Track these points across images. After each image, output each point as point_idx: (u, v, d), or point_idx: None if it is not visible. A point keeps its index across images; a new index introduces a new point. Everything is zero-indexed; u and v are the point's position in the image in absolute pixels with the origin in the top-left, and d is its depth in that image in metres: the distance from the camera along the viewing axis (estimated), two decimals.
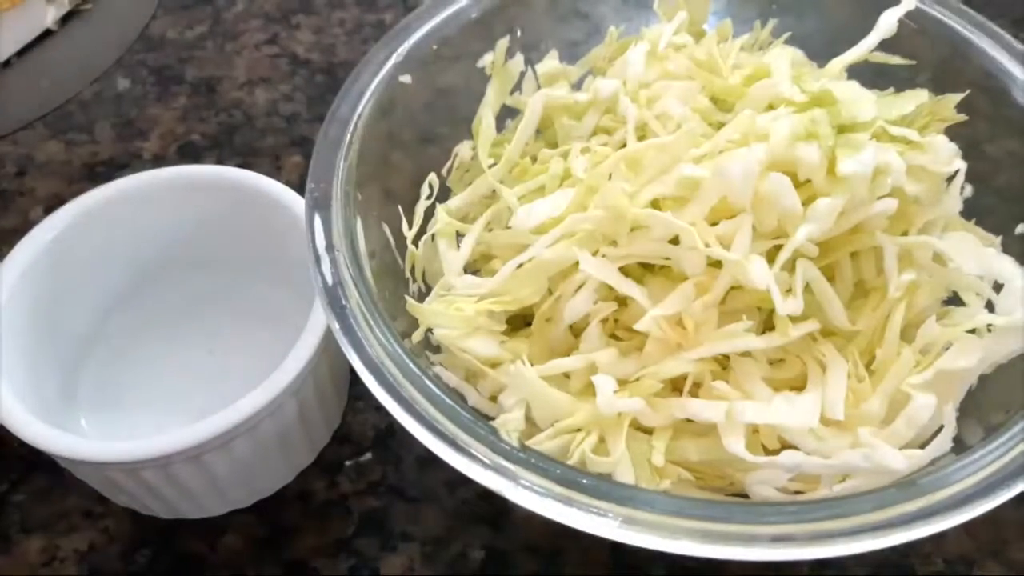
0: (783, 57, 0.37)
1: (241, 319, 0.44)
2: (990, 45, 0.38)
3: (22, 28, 0.61)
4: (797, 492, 0.32)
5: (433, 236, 0.39)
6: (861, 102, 0.33)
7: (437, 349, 0.35)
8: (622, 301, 0.34)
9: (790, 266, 0.32)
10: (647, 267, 0.34)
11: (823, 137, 0.32)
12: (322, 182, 0.34)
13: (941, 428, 0.31)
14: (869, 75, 0.37)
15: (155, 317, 0.44)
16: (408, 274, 0.38)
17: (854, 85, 0.35)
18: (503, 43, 0.41)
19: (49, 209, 0.41)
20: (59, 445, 0.34)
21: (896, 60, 0.37)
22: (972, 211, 0.37)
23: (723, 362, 0.33)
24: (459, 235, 0.39)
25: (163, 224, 0.42)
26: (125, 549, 0.39)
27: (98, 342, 0.43)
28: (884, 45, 0.37)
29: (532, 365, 0.33)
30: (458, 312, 0.34)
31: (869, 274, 0.34)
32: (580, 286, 0.34)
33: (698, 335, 0.32)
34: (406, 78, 0.38)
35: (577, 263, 0.33)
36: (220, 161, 0.54)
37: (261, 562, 0.39)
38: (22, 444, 0.34)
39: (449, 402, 0.29)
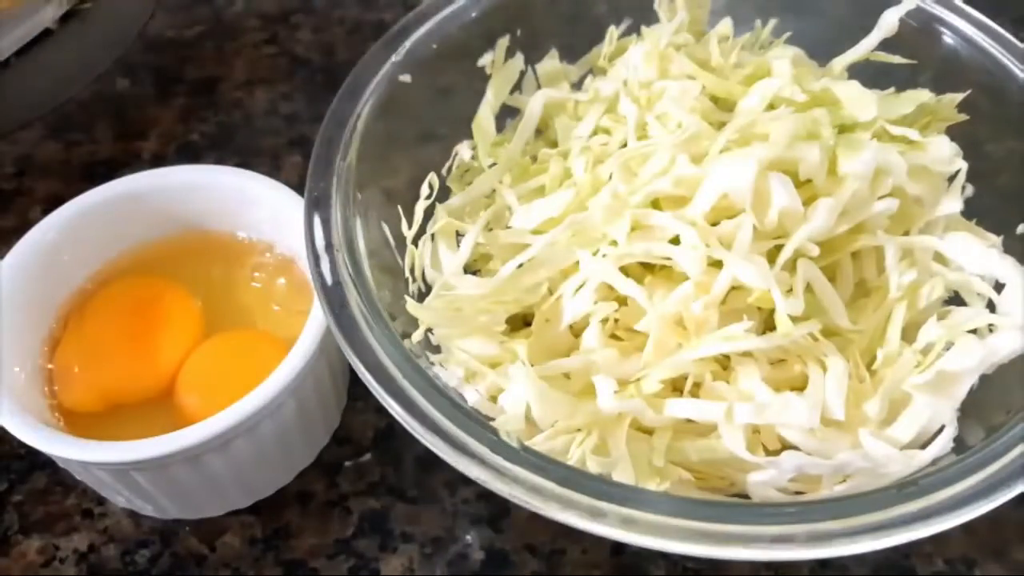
0: (784, 56, 0.37)
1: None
2: (991, 45, 0.38)
3: (21, 28, 0.61)
4: (798, 492, 0.32)
5: (433, 236, 0.39)
6: (862, 102, 0.33)
7: (437, 349, 0.35)
8: (622, 301, 0.34)
9: (791, 266, 0.32)
10: (647, 267, 0.34)
11: (824, 137, 0.32)
12: (321, 182, 0.34)
13: (942, 428, 0.31)
14: (870, 74, 0.37)
15: None
16: (408, 274, 0.38)
17: (855, 85, 0.35)
18: (503, 43, 0.41)
19: (48, 209, 0.40)
20: (58, 445, 0.34)
21: (897, 59, 0.37)
22: (973, 211, 0.37)
23: (723, 362, 0.33)
24: (459, 235, 0.39)
25: (162, 224, 0.42)
26: (125, 549, 0.39)
27: None
28: (885, 44, 0.37)
29: (532, 365, 0.33)
30: (458, 312, 0.34)
31: (870, 274, 0.34)
32: (580, 286, 0.34)
33: (698, 335, 0.32)
34: (406, 78, 0.38)
35: (577, 263, 0.33)
36: (219, 161, 0.54)
37: (261, 562, 0.39)
38: (21, 444, 0.34)
39: (449, 402, 0.29)
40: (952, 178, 0.35)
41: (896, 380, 0.32)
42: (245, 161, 0.54)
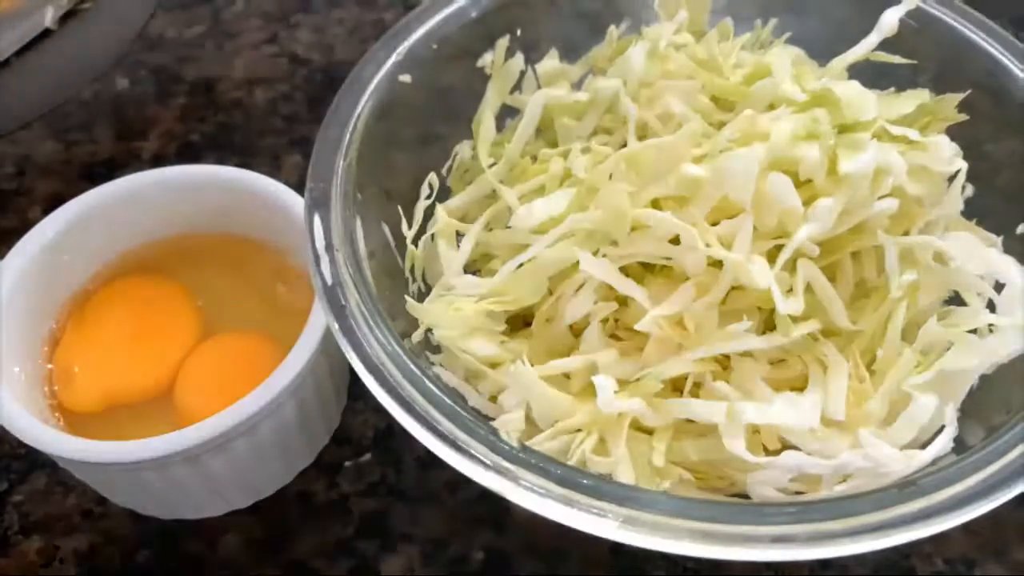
0: (784, 56, 0.37)
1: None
2: (991, 44, 0.38)
3: (21, 28, 0.61)
4: (798, 492, 0.32)
5: (433, 236, 0.39)
6: (862, 101, 0.33)
7: (437, 349, 0.35)
8: (622, 301, 0.34)
9: (791, 266, 0.32)
10: (648, 267, 0.34)
11: (824, 137, 0.32)
12: (321, 182, 0.34)
13: (942, 428, 0.31)
14: (870, 75, 0.37)
15: None
16: (408, 274, 0.38)
17: (855, 84, 0.35)
18: (503, 42, 0.41)
19: (48, 209, 0.40)
20: (59, 445, 0.34)
21: (897, 59, 0.37)
22: (973, 211, 0.37)
23: (724, 362, 0.33)
24: (459, 235, 0.39)
25: (162, 224, 0.42)
26: (125, 550, 0.39)
27: None
28: (885, 44, 0.37)
29: (532, 365, 0.33)
30: (458, 312, 0.34)
31: (870, 274, 0.34)
32: (580, 286, 0.34)
33: (699, 335, 0.32)
34: (406, 78, 0.38)
35: (577, 263, 0.33)
36: (219, 161, 0.54)
37: (261, 563, 0.39)
38: (21, 444, 0.34)
39: (449, 402, 0.29)
40: (952, 178, 0.35)
41: (896, 380, 0.32)
42: (245, 161, 0.54)
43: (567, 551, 0.39)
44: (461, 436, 0.28)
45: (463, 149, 0.41)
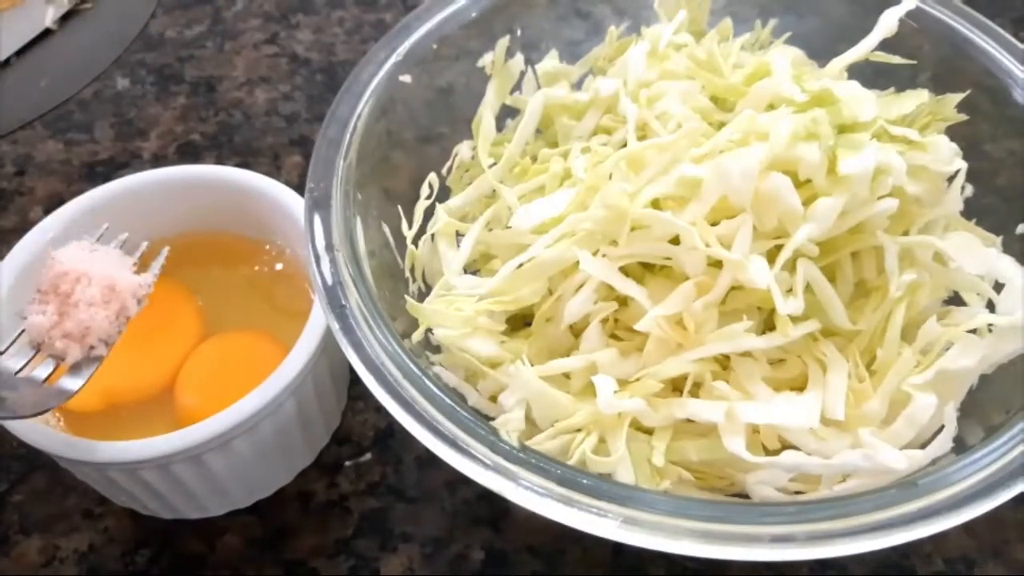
0: (784, 56, 0.37)
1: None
2: (991, 45, 0.38)
3: (21, 28, 0.61)
4: (797, 492, 0.32)
5: (433, 236, 0.39)
6: (862, 102, 0.33)
7: (437, 349, 0.35)
8: (622, 301, 0.34)
9: (791, 266, 0.32)
10: (647, 267, 0.34)
11: (824, 137, 0.32)
12: (322, 182, 0.34)
13: (942, 428, 0.31)
14: (870, 75, 0.37)
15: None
16: (408, 274, 0.38)
17: (855, 85, 0.35)
18: (503, 43, 0.41)
19: (49, 209, 0.41)
20: (59, 445, 0.34)
21: (897, 60, 0.37)
22: (973, 211, 0.37)
23: (723, 362, 0.33)
24: (459, 235, 0.39)
25: (162, 224, 0.42)
26: (125, 549, 0.39)
27: None
28: (885, 45, 0.37)
29: (532, 365, 0.33)
30: (458, 312, 0.34)
31: (870, 274, 0.34)
32: (580, 286, 0.34)
33: (698, 335, 0.32)
34: (406, 78, 0.38)
35: (577, 263, 0.33)
36: (219, 161, 0.54)
37: (261, 562, 0.39)
38: (21, 444, 0.34)
39: (449, 402, 0.29)
40: (952, 178, 0.35)
41: (896, 380, 0.32)
42: (245, 161, 0.54)
43: (567, 551, 0.39)
44: (461, 436, 0.28)
45: (463, 149, 0.41)
